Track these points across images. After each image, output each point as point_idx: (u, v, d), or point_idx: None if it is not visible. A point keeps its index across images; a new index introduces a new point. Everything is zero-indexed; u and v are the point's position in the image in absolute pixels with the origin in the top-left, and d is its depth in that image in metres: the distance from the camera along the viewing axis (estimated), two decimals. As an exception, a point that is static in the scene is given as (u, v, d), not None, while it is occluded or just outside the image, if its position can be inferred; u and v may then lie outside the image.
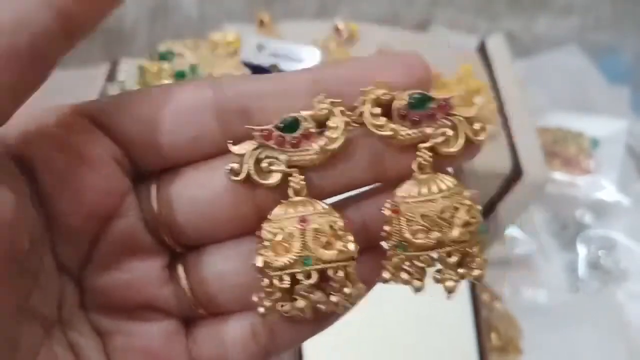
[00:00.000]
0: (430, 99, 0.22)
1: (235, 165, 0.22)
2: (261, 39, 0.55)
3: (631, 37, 0.92)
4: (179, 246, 0.24)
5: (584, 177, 0.72)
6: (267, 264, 0.22)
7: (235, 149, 0.22)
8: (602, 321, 0.62)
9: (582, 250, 0.70)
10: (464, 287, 0.49)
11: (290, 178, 0.23)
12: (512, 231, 0.67)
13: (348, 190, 0.24)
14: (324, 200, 0.23)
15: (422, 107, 0.22)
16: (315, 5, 0.85)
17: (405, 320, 0.49)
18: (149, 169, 0.23)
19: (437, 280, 0.22)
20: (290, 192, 0.23)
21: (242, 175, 0.22)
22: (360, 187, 0.24)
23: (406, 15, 0.88)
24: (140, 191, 0.23)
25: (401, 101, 0.22)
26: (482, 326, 0.49)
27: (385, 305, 0.48)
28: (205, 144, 0.22)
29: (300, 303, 0.22)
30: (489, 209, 0.58)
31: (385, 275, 0.22)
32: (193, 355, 0.24)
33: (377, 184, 0.24)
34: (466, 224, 0.21)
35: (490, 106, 0.56)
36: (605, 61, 0.88)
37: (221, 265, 0.24)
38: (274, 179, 0.23)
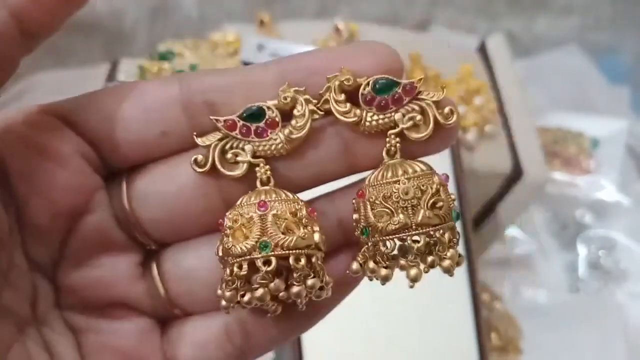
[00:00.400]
0: (396, 83, 0.22)
1: (199, 157, 0.22)
2: (261, 39, 0.55)
3: (631, 37, 0.92)
4: (152, 243, 0.24)
5: (584, 177, 0.72)
6: (226, 251, 0.21)
7: (200, 140, 0.22)
8: (602, 321, 0.62)
9: (582, 250, 0.70)
10: (463, 287, 0.49)
11: (256, 169, 0.22)
12: (512, 231, 0.67)
13: (320, 182, 0.23)
14: (296, 193, 0.23)
15: (388, 91, 0.22)
16: (315, 5, 0.85)
17: (405, 320, 0.49)
18: (119, 165, 0.23)
19: (401, 268, 0.21)
20: (257, 183, 0.22)
21: (207, 167, 0.22)
22: (333, 178, 0.23)
23: (406, 16, 0.88)
24: (112, 188, 0.23)
25: (367, 86, 0.22)
26: (482, 326, 0.49)
27: (385, 306, 0.48)
28: (173, 138, 0.23)
29: (259, 292, 0.21)
30: (489, 209, 0.58)
31: (353, 266, 0.22)
32: (168, 356, 0.24)
33: (354, 181, 0.23)
34: (433, 206, 0.21)
35: (490, 106, 0.56)
36: (605, 61, 0.88)
37: (193, 262, 0.24)
38: (240, 169, 0.22)
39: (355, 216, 0.22)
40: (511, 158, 0.55)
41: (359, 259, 0.22)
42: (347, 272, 0.22)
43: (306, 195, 0.24)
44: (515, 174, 0.54)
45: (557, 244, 0.70)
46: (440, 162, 0.50)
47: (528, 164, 0.54)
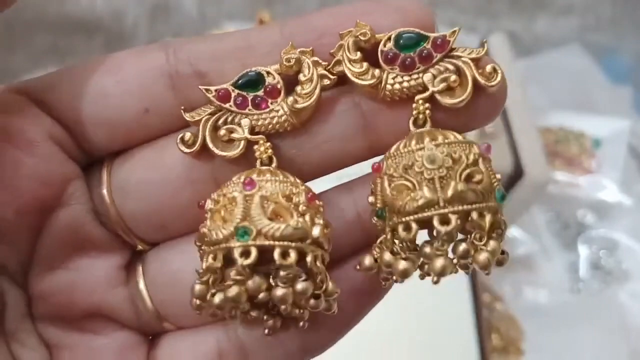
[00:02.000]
0: (425, 37, 0.17)
1: (187, 134, 0.18)
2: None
3: (632, 37, 0.92)
4: (136, 241, 0.20)
5: (586, 177, 0.72)
6: (201, 238, 0.17)
7: (188, 115, 0.18)
8: (603, 321, 0.62)
9: (583, 250, 0.69)
10: (465, 287, 0.49)
11: (255, 147, 0.18)
12: (513, 231, 0.67)
13: (335, 167, 0.19)
14: (307, 180, 0.18)
15: (414, 47, 0.17)
16: (315, 5, 0.85)
17: (406, 320, 0.49)
18: (98, 151, 0.19)
19: (425, 256, 0.16)
20: (257, 164, 0.18)
21: (197, 147, 0.18)
22: (351, 162, 0.19)
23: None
24: (92, 178, 0.20)
25: (388, 42, 0.17)
26: (483, 326, 0.49)
27: (386, 306, 0.48)
28: (158, 116, 0.19)
29: (232, 290, 0.16)
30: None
31: (366, 260, 0.17)
32: None
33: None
34: (468, 179, 0.16)
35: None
36: (607, 61, 0.88)
37: (178, 265, 0.20)
38: (236, 149, 0.18)
39: (370, 199, 0.17)
40: (512, 158, 0.55)
41: (375, 252, 0.17)
42: (357, 267, 0.17)
43: (318, 186, 0.18)
44: (517, 174, 0.54)
45: (558, 244, 0.70)
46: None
47: (529, 164, 0.54)
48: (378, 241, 0.17)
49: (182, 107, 0.18)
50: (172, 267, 0.20)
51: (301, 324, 0.17)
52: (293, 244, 0.16)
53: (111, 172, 0.19)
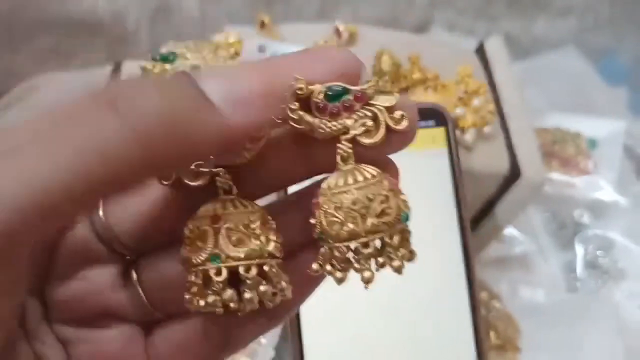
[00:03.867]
0: (348, 90, 0.22)
1: None
2: (262, 41, 0.56)
3: (629, 38, 0.93)
4: (130, 253, 0.24)
5: (582, 178, 0.72)
6: (183, 261, 0.23)
7: None
8: (600, 320, 0.62)
9: (580, 250, 0.70)
10: (462, 286, 0.49)
11: (217, 178, 0.23)
12: (510, 231, 0.67)
13: (284, 186, 0.25)
14: (261, 197, 0.24)
15: (339, 98, 0.22)
16: (316, 7, 0.85)
17: (403, 319, 0.49)
18: None
19: (356, 270, 0.22)
20: (220, 192, 0.23)
21: (172, 180, 0.23)
22: (296, 181, 0.24)
23: (405, 18, 0.89)
24: None
25: (319, 94, 0.22)
26: (480, 325, 0.49)
27: (383, 305, 0.49)
28: None
29: (210, 298, 0.22)
30: (487, 209, 0.58)
31: (314, 266, 0.23)
32: (151, 358, 0.25)
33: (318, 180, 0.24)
34: (381, 214, 0.22)
35: (488, 107, 0.56)
36: (604, 62, 0.88)
37: (166, 267, 0.24)
38: (202, 179, 0.23)
39: (312, 220, 0.23)
40: (509, 159, 0.55)
41: (319, 259, 0.23)
42: (309, 271, 0.23)
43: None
44: (514, 175, 0.55)
45: (555, 243, 0.71)
46: (439, 163, 0.51)
47: (526, 164, 0.55)
48: (320, 252, 0.23)
49: None
50: (161, 270, 0.25)
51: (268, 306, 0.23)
52: (253, 261, 0.22)
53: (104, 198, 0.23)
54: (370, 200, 0.22)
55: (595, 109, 0.81)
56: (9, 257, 0.17)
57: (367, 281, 0.22)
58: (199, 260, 0.22)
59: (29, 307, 0.23)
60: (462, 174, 0.51)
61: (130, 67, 0.57)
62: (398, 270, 0.22)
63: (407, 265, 0.23)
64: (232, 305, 0.22)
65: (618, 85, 0.86)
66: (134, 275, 0.25)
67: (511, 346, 0.60)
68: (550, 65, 0.85)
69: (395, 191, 0.22)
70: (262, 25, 0.60)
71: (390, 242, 0.22)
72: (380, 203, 0.22)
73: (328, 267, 0.22)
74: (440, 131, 0.51)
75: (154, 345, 0.25)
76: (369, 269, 0.22)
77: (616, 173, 0.72)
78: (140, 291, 0.25)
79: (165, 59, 0.54)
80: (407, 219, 0.23)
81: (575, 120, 0.77)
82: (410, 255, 0.23)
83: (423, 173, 0.50)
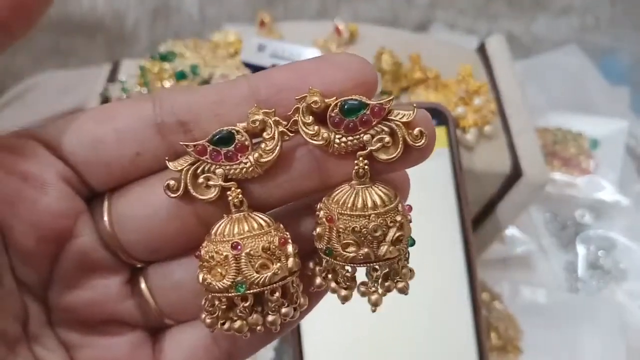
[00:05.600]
0: (365, 105, 0.22)
1: (172, 182, 0.22)
2: (262, 40, 0.55)
3: (630, 37, 0.93)
4: (136, 261, 0.24)
5: (584, 178, 0.72)
6: (206, 286, 0.22)
7: (172, 165, 0.22)
8: (601, 321, 0.62)
9: (581, 250, 0.70)
10: (463, 286, 0.49)
11: (228, 192, 0.23)
12: (511, 231, 0.67)
13: (294, 199, 0.24)
14: (271, 210, 0.24)
15: (356, 113, 0.22)
16: (316, 6, 0.85)
17: (405, 320, 0.49)
18: (100, 187, 0.23)
19: (362, 294, 0.23)
20: (231, 206, 0.23)
21: (180, 192, 0.22)
22: (307, 194, 0.24)
23: (406, 17, 0.89)
24: (96, 211, 0.23)
25: (335, 108, 0.22)
26: (481, 326, 0.49)
27: (385, 306, 0.48)
28: (148, 158, 0.23)
29: (237, 324, 0.22)
30: (489, 209, 0.58)
31: (317, 281, 0.23)
32: None
33: None
34: (396, 242, 0.22)
35: (490, 106, 0.56)
36: (605, 62, 0.88)
37: (179, 275, 0.24)
38: (212, 193, 0.23)
39: (318, 230, 0.23)
40: (511, 158, 0.55)
41: (322, 273, 0.23)
42: (312, 288, 0.23)
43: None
44: (515, 174, 0.55)
45: (556, 243, 0.70)
46: (440, 162, 0.51)
47: (528, 164, 0.54)
48: (323, 266, 0.23)
49: (167, 158, 0.22)
50: (171, 277, 0.25)
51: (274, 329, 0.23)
52: (276, 285, 0.22)
53: (110, 207, 0.23)
54: (388, 227, 0.22)
55: (597, 109, 0.80)
56: None
57: (375, 304, 0.23)
58: (223, 287, 0.22)
59: (31, 310, 0.23)
60: (464, 173, 0.51)
61: (129, 67, 0.57)
62: (403, 291, 0.23)
63: (410, 284, 0.23)
64: (258, 328, 0.22)
65: (619, 85, 0.85)
66: (143, 283, 0.25)
67: (512, 347, 0.59)
68: (551, 64, 0.85)
69: (407, 218, 0.22)
70: (262, 24, 0.60)
71: (397, 268, 0.23)
72: (397, 231, 0.22)
73: (332, 285, 0.23)
74: (441, 131, 0.51)
75: (163, 351, 0.25)
76: (377, 292, 0.23)
77: (618, 173, 0.72)
78: (150, 298, 0.25)
79: (164, 58, 0.54)
80: (413, 244, 0.23)
81: (577, 120, 0.76)
82: (412, 274, 0.23)
83: (424, 173, 0.50)
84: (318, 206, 0.23)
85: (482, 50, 0.61)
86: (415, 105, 0.22)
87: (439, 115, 0.51)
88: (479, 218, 0.59)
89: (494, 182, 0.56)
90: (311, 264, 0.24)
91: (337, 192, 0.22)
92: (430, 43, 0.63)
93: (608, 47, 0.91)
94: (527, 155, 0.55)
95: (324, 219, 0.22)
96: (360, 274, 0.23)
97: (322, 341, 0.47)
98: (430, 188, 0.50)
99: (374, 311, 0.23)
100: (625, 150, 0.75)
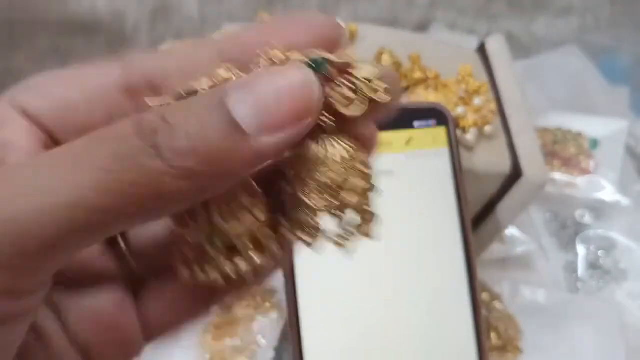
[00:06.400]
0: (328, 61, 0.21)
1: None
2: (262, 40, 0.55)
3: (630, 37, 0.93)
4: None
5: (584, 178, 0.72)
6: (178, 237, 0.23)
7: (150, 101, 0.22)
8: (601, 321, 0.62)
9: (581, 250, 0.70)
10: (463, 286, 0.49)
11: None
12: (511, 231, 0.67)
13: None
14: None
15: (320, 69, 0.21)
16: (316, 6, 0.85)
17: (404, 319, 0.49)
18: None
19: (329, 240, 0.23)
20: None
21: None
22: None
23: (406, 17, 0.89)
24: None
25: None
26: (481, 326, 0.49)
27: (385, 305, 0.48)
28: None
29: (212, 274, 0.22)
30: (489, 209, 0.58)
31: (284, 230, 0.23)
32: (142, 318, 0.25)
33: None
34: (361, 192, 0.22)
35: (490, 106, 0.56)
36: (605, 62, 0.88)
37: (155, 229, 0.25)
38: None
39: (284, 183, 0.23)
40: (511, 158, 0.55)
41: (288, 224, 0.23)
42: (279, 238, 0.23)
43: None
44: (515, 174, 0.55)
45: (556, 243, 0.70)
46: (440, 162, 0.51)
47: (527, 164, 0.54)
48: (290, 219, 0.23)
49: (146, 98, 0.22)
50: (149, 232, 0.25)
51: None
52: (248, 232, 0.22)
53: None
54: (346, 176, 0.22)
55: (597, 109, 0.80)
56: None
57: (344, 251, 0.22)
58: (195, 237, 0.22)
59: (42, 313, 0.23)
60: (463, 173, 0.51)
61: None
62: (367, 234, 0.23)
63: (376, 228, 0.23)
64: (232, 277, 0.22)
65: (619, 85, 0.85)
66: (120, 239, 0.25)
67: (512, 347, 0.59)
68: (551, 64, 0.85)
69: (371, 168, 0.22)
70: (262, 24, 0.60)
71: (363, 214, 0.22)
72: (355, 179, 0.22)
73: (299, 233, 0.23)
74: (441, 131, 0.51)
75: (144, 307, 0.25)
76: (345, 238, 0.23)
77: (618, 173, 0.72)
78: (126, 251, 0.25)
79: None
80: (374, 190, 0.23)
81: (577, 119, 0.76)
82: (372, 216, 0.23)
83: (424, 173, 0.50)
84: (283, 161, 0.23)
85: (482, 50, 0.61)
86: (379, 64, 0.22)
87: (438, 115, 0.51)
88: (479, 218, 0.59)
89: (494, 182, 0.56)
90: (284, 229, 0.24)
91: (302, 146, 0.22)
92: (430, 43, 0.63)
93: (608, 47, 0.91)
94: (527, 155, 0.55)
95: (290, 171, 0.22)
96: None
97: (322, 340, 0.47)
98: (430, 188, 0.50)
99: (348, 257, 0.23)
100: (625, 150, 0.75)
